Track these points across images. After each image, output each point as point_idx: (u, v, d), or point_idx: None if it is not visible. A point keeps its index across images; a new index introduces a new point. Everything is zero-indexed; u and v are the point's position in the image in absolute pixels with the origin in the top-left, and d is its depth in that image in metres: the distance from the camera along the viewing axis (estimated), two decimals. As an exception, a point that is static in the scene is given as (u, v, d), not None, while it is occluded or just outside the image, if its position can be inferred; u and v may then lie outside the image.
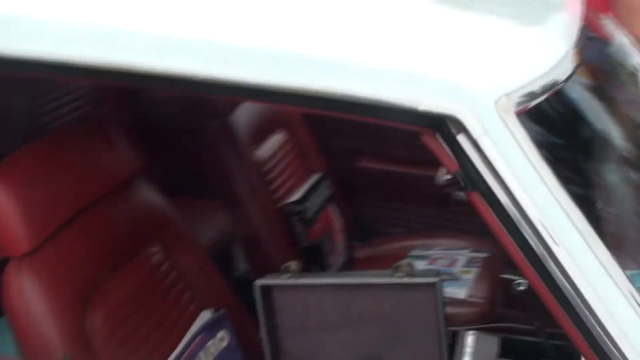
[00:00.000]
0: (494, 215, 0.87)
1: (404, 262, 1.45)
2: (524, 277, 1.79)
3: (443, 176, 2.19)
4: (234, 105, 2.09)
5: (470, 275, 2.19)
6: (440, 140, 0.87)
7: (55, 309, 1.32)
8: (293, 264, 1.53)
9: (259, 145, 2.18)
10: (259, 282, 1.53)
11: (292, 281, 1.51)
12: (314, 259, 2.20)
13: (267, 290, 1.55)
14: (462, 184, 0.88)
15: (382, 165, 2.68)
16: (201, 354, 1.55)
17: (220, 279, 1.74)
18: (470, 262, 2.27)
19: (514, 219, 0.86)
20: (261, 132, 2.21)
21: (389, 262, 2.33)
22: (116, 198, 1.54)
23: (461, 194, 2.50)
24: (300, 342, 1.57)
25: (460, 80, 0.87)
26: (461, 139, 0.86)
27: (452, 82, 0.87)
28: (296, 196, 2.18)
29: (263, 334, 1.55)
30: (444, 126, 0.86)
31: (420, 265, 2.29)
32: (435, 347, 1.47)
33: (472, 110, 0.84)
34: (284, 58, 0.91)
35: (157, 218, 1.62)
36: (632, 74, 1.30)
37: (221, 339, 1.61)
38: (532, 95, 0.88)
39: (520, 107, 0.87)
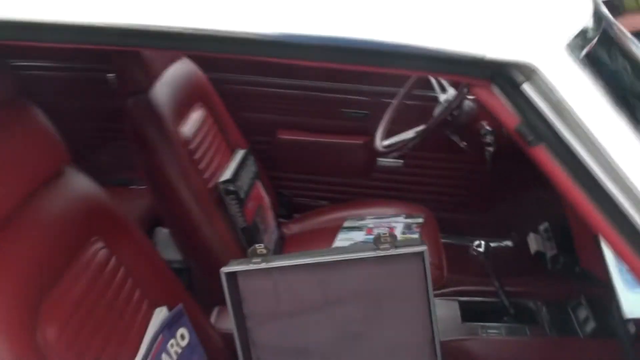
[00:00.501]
0: (563, 168, 0.79)
1: (385, 232, 1.35)
2: (480, 239, 1.76)
3: (381, 142, 2.12)
4: (152, 78, 1.89)
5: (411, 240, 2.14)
6: (498, 92, 0.78)
7: (1, 327, 1.10)
8: (260, 246, 1.39)
9: (182, 122, 1.99)
10: (225, 269, 1.39)
11: (263, 265, 1.37)
12: (251, 240, 2.06)
13: (232, 277, 1.40)
14: (526, 138, 0.79)
15: (302, 137, 2.57)
16: (164, 356, 1.39)
17: (168, 271, 1.56)
18: (408, 228, 2.22)
19: (590, 169, 0.78)
20: (182, 108, 2.02)
21: (323, 236, 2.28)
22: (49, 193, 1.33)
23: (389, 160, 2.45)
24: (273, 329, 1.44)
25: (528, 27, 0.78)
26: (527, 87, 0.77)
27: (520, 29, 0.77)
28: (227, 174, 2.02)
29: (232, 325, 1.41)
30: (508, 76, 0.76)
31: (358, 236, 2.22)
32: (423, 318, 1.40)
33: (543, 55, 0.75)
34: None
35: (95, 210, 1.41)
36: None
37: (182, 337, 1.45)
38: (590, 39, 0.81)
39: (586, 50, 0.79)
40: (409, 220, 2.28)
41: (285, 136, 2.56)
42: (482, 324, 1.79)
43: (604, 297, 1.81)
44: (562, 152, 0.77)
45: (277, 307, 1.43)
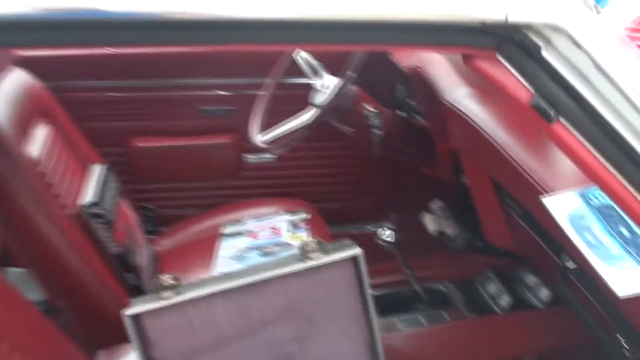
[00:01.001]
0: (589, 143, 0.68)
1: (310, 240, 1.20)
2: (385, 228, 1.67)
3: (261, 137, 1.94)
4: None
5: (303, 238, 2.00)
6: (507, 63, 0.65)
7: None
8: (167, 276, 1.17)
9: (25, 142, 1.68)
10: (128, 311, 1.16)
11: (175, 299, 1.16)
12: (126, 266, 1.81)
13: (137, 319, 1.18)
14: (546, 114, 0.67)
15: (159, 142, 2.33)
16: None
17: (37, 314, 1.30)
18: (294, 226, 2.08)
19: (625, 140, 0.67)
20: (23, 126, 1.70)
21: (201, 248, 2.07)
22: None
23: (259, 157, 2.30)
24: (192, 370, 1.23)
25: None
26: (547, 53, 0.64)
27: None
28: (89, 196, 1.75)
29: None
30: (521, 42, 0.63)
31: (242, 243, 2.04)
32: (361, 325, 1.26)
33: (568, 14, 0.63)
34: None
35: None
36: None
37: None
38: None
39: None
40: (293, 217, 2.13)
41: (140, 144, 2.30)
42: (397, 316, 1.69)
43: (511, 269, 1.80)
44: (588, 125, 0.66)
45: (195, 344, 1.23)
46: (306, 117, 1.87)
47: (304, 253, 1.18)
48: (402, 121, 1.99)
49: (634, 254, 0.96)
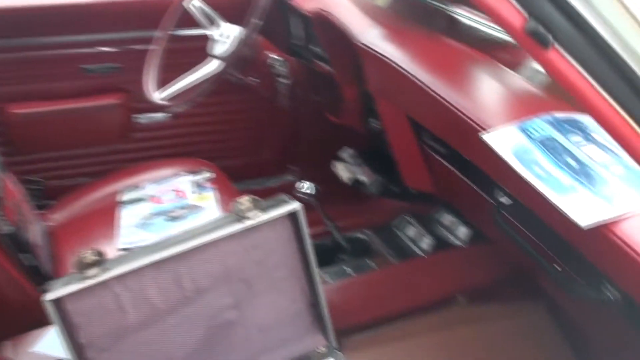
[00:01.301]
0: (585, 70, 0.63)
1: (244, 198, 1.11)
2: (303, 181, 1.61)
3: (158, 95, 1.80)
4: None
5: (211, 198, 1.90)
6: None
7: None
8: (88, 252, 1.05)
9: None
10: (48, 296, 1.03)
11: (101, 277, 1.04)
12: (19, 245, 1.64)
13: (60, 303, 1.05)
14: (542, 39, 0.61)
15: (39, 107, 2.11)
16: None
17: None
18: (199, 186, 1.97)
19: (629, 63, 0.63)
20: None
21: (100, 218, 1.91)
22: None
23: (151, 116, 2.15)
24: (124, 350, 1.13)
25: None
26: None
27: None
28: (-30, 172, 1.56)
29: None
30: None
31: (145, 209, 1.91)
32: (301, 282, 1.20)
33: None
34: None
35: None
36: None
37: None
38: None
39: None
40: (196, 177, 2.02)
41: (18, 110, 2.08)
42: (323, 269, 1.65)
43: (428, 211, 1.79)
44: (586, 49, 0.62)
45: (125, 323, 1.12)
46: (207, 69, 1.75)
47: (240, 213, 1.10)
48: (306, 69, 1.91)
49: (586, 183, 0.96)
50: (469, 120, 1.18)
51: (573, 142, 1.04)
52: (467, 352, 1.50)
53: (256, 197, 1.13)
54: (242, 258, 1.16)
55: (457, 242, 1.69)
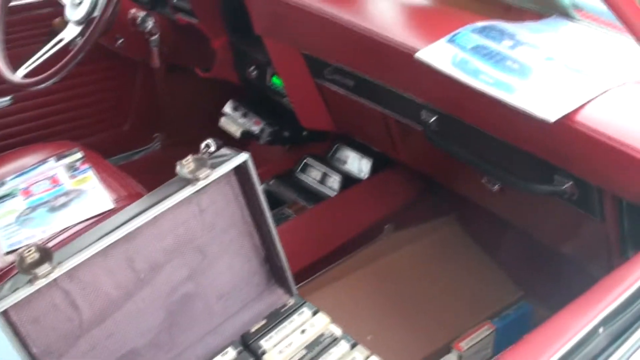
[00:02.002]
0: None
1: (187, 159, 1.03)
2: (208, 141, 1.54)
3: (15, 73, 1.59)
4: None
5: (92, 179, 1.74)
6: None
7: None
8: (31, 249, 0.92)
9: None
10: (-5, 309, 0.89)
11: (53, 274, 0.92)
12: None
13: (8, 313, 0.92)
14: None
15: None
16: None
17: None
18: (74, 169, 1.80)
19: None
20: None
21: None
22: None
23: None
24: (82, 350, 1.01)
25: None
26: None
27: None
28: None
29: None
30: None
31: (18, 204, 1.71)
32: (253, 238, 1.15)
33: None
34: None
35: None
36: None
37: None
38: None
39: None
40: (66, 161, 1.83)
41: None
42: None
43: (327, 149, 1.78)
44: None
45: (80, 320, 1.00)
46: (67, 37, 1.57)
47: (189, 175, 1.01)
48: (169, 22, 1.79)
49: (535, 81, 1.00)
50: (391, 45, 1.17)
51: (506, 47, 1.07)
52: (396, 276, 1.54)
53: (199, 156, 1.04)
54: (192, 225, 1.08)
55: (361, 175, 1.70)
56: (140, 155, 2.24)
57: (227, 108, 1.89)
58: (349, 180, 1.69)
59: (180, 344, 1.10)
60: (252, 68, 1.80)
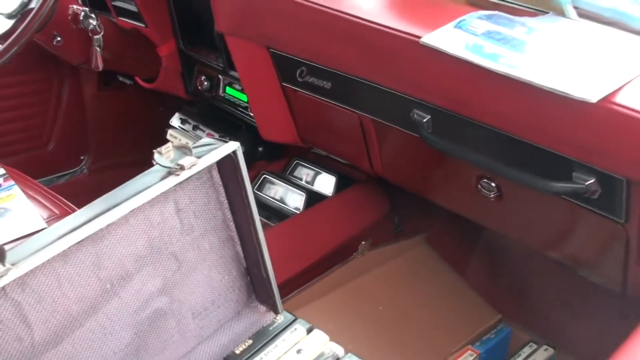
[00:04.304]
0: None
1: (168, 145, 0.87)
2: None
3: None
4: None
5: (18, 196, 1.53)
6: None
7: None
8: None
9: None
10: None
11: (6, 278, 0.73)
12: None
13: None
14: None
15: None
16: None
17: None
18: (-4, 186, 1.58)
19: None
20: None
21: None
22: None
23: None
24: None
25: None
26: None
27: None
28: None
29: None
30: None
31: None
32: (237, 248, 0.99)
33: None
34: None
35: None
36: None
37: None
38: None
39: None
40: (-14, 177, 1.61)
41: None
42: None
43: (284, 166, 1.65)
44: None
45: (31, 340, 0.80)
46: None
47: (170, 163, 0.85)
48: (112, 25, 1.62)
49: (563, 64, 0.91)
50: (384, 31, 1.07)
51: (521, 33, 0.99)
52: (372, 296, 1.43)
53: (182, 143, 0.89)
54: (168, 227, 0.91)
55: (326, 192, 1.57)
56: (65, 180, 2.02)
57: (175, 121, 1.72)
58: (313, 198, 1.55)
59: (149, 372, 0.92)
60: (204, 78, 1.65)
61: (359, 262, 1.42)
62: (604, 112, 0.85)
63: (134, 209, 0.83)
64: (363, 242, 1.43)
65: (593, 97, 0.84)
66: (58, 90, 1.93)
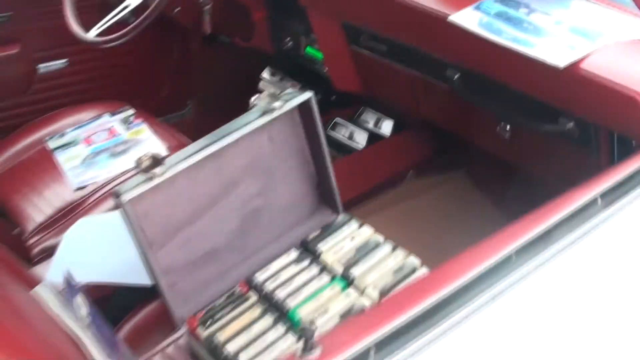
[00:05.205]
0: None
1: (262, 94, 1.27)
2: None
3: (88, 33, 1.81)
4: None
5: (146, 131, 1.97)
6: None
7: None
8: (145, 156, 1.16)
9: None
10: (123, 198, 1.12)
11: (159, 179, 1.15)
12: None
13: (130, 205, 1.15)
14: None
15: None
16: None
17: None
18: (128, 122, 2.03)
19: None
20: None
21: (36, 166, 1.89)
22: None
23: (51, 64, 2.15)
24: (177, 246, 1.25)
25: None
26: None
27: None
28: None
29: (149, 265, 1.18)
30: None
31: (82, 151, 1.93)
32: (311, 168, 1.38)
33: None
34: None
35: None
36: None
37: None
38: None
39: None
40: (120, 116, 2.07)
41: None
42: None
43: (354, 112, 2.04)
44: None
45: (175, 219, 1.24)
46: (132, 3, 1.79)
47: (265, 106, 1.25)
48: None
49: (547, 37, 1.25)
50: (426, 11, 1.42)
51: (523, 13, 1.33)
52: (417, 219, 1.80)
53: (273, 92, 1.28)
54: (263, 150, 1.32)
55: (384, 133, 1.95)
56: (174, 120, 2.47)
57: (265, 74, 2.12)
58: (373, 138, 1.94)
59: (250, 248, 1.34)
60: (288, 39, 2.04)
61: (406, 188, 1.80)
62: (569, 75, 1.19)
63: (242, 136, 1.24)
64: (410, 172, 1.81)
65: (561, 63, 1.18)
66: (171, 48, 2.37)
